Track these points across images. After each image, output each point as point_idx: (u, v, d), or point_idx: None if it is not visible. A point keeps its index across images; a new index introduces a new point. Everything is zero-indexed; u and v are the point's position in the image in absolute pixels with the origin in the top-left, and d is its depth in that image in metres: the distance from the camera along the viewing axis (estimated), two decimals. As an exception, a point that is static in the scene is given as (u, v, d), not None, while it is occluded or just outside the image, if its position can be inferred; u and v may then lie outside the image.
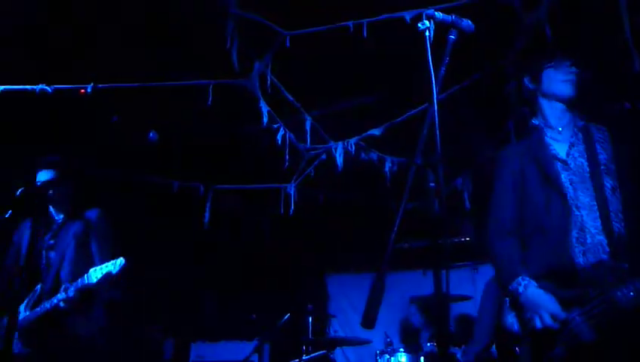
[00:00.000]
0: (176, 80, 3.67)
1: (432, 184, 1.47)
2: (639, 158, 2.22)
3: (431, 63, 1.63)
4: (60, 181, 3.38)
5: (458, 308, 5.05)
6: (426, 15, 1.78)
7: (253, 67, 3.60)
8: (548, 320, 2.05)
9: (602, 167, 2.21)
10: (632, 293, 1.92)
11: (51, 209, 3.48)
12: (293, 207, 4.53)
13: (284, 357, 4.98)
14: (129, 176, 4.56)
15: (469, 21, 1.91)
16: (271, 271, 6.06)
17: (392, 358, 4.41)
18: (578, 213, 2.15)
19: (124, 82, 3.60)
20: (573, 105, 2.38)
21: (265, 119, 3.80)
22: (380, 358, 4.46)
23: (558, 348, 2.04)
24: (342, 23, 3.19)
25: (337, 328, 6.09)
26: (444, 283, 1.49)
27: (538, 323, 2.07)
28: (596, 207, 2.15)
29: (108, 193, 4.33)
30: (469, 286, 5.51)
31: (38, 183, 3.32)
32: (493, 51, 3.32)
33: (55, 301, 3.10)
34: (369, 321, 1.35)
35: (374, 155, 4.19)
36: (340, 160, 4.06)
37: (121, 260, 3.07)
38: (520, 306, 2.14)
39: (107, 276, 3.02)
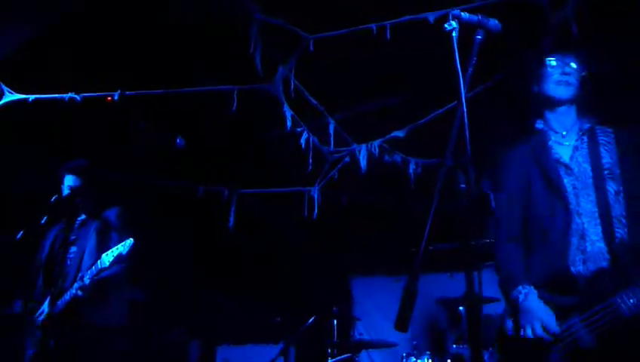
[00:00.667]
0: (201, 86, 3.71)
1: (463, 185, 1.46)
2: None
3: (458, 64, 1.62)
4: (86, 186, 3.50)
5: (486, 310, 4.99)
6: (452, 15, 1.77)
7: (277, 71, 3.62)
8: (539, 331, 2.06)
9: (606, 172, 2.17)
10: (632, 300, 1.91)
11: (75, 212, 3.56)
12: (317, 210, 4.54)
13: (310, 359, 4.98)
14: (154, 180, 4.62)
15: (496, 21, 1.90)
16: (296, 274, 6.07)
17: (419, 361, 4.37)
18: (579, 221, 2.13)
19: (150, 89, 3.65)
20: (578, 106, 2.33)
21: (289, 123, 3.81)
22: (406, 361, 4.43)
23: (554, 354, 2.05)
24: (365, 26, 3.18)
25: (362, 331, 6.07)
26: (475, 284, 1.48)
27: (529, 333, 2.09)
28: (597, 214, 2.12)
29: (132, 197, 4.40)
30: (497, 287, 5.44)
31: (67, 189, 3.46)
32: (519, 50, 3.28)
33: (73, 290, 3.19)
34: (403, 324, 1.35)
35: (398, 157, 4.17)
36: (363, 162, 4.04)
37: (130, 240, 3.16)
38: (518, 314, 2.15)
39: (118, 257, 3.13)
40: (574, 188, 2.19)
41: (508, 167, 2.40)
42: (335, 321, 4.97)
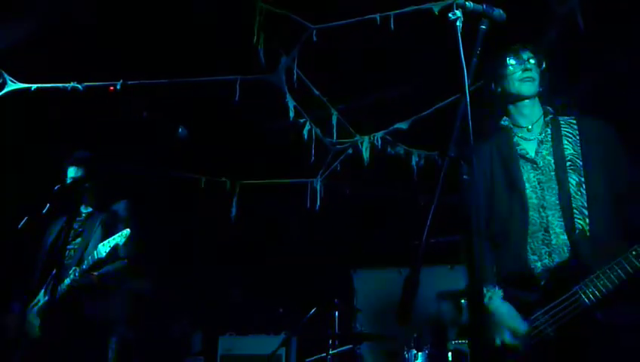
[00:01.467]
0: (204, 75, 3.70)
1: (466, 176, 1.45)
2: (606, 150, 2.18)
3: (462, 54, 1.60)
4: (90, 178, 3.45)
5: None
6: (457, 5, 1.74)
7: (280, 62, 3.61)
8: (508, 338, 2.06)
9: (568, 163, 2.18)
10: (590, 289, 1.95)
11: (80, 205, 3.53)
12: (319, 201, 4.53)
13: (311, 350, 4.99)
14: (157, 171, 4.62)
15: (501, 10, 1.88)
16: (297, 266, 6.08)
17: (420, 354, 4.38)
18: (544, 214, 2.15)
19: (153, 79, 3.64)
20: (540, 99, 2.33)
21: (291, 114, 3.80)
22: (407, 353, 4.43)
23: (521, 348, 2.06)
24: (369, 16, 3.16)
25: (364, 322, 6.08)
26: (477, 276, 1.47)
27: (498, 342, 2.08)
28: (559, 206, 2.13)
29: (135, 187, 4.40)
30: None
31: (70, 180, 3.42)
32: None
33: (68, 280, 3.13)
34: (404, 317, 1.34)
35: (401, 149, 4.15)
36: (366, 154, 4.03)
37: (126, 231, 3.13)
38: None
39: (115, 247, 3.09)
40: (540, 182, 2.20)
41: (475, 163, 2.38)
42: (337, 313, 4.97)
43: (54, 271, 3.06)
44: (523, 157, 2.27)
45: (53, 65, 3.81)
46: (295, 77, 3.61)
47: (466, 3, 1.74)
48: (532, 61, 2.29)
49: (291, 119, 3.84)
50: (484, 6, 1.81)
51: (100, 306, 3.25)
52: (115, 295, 3.33)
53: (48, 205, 2.84)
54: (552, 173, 2.19)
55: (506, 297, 2.15)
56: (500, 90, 2.33)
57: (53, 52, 3.85)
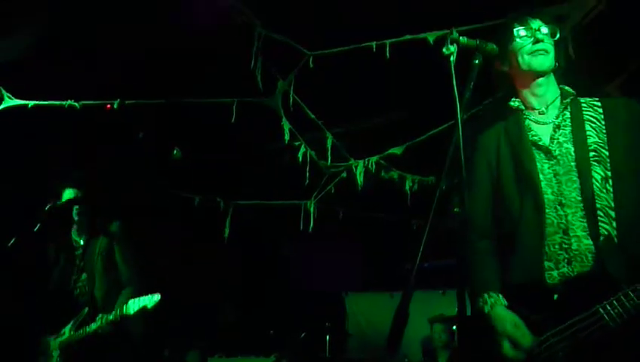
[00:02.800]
0: (202, 97, 3.74)
1: (457, 209, 1.47)
2: (638, 137, 1.84)
3: (455, 88, 1.63)
4: (84, 200, 3.46)
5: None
6: (451, 39, 1.77)
7: (277, 85, 3.65)
8: (508, 349, 1.76)
9: (592, 153, 1.83)
10: (617, 309, 1.63)
11: (74, 232, 3.55)
12: (312, 223, 4.54)
13: (301, 373, 4.95)
14: (150, 189, 4.62)
15: (494, 45, 1.91)
16: (289, 287, 6.06)
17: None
18: (562, 213, 1.81)
19: (151, 99, 3.67)
20: (557, 76, 2.01)
21: (287, 137, 3.84)
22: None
23: None
24: (365, 44, 3.21)
25: (354, 346, 6.04)
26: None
27: (497, 354, 1.79)
28: (582, 205, 1.79)
29: (130, 206, 4.39)
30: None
31: (64, 201, 3.41)
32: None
33: (94, 326, 3.25)
34: (393, 345, 1.34)
35: (395, 174, 4.19)
36: (360, 178, 4.06)
37: (157, 296, 3.20)
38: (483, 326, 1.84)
39: (143, 309, 3.17)
40: (556, 174, 1.86)
41: (479, 150, 2.07)
42: (327, 336, 4.94)
43: (86, 310, 3.30)
44: (535, 144, 1.92)
45: (51, 82, 3.84)
46: (291, 101, 3.64)
47: (460, 38, 1.77)
48: (544, 30, 1.94)
49: (286, 142, 3.87)
50: (478, 41, 1.85)
51: (121, 351, 3.36)
52: (132, 338, 3.43)
53: (39, 224, 2.85)
54: (573, 164, 1.84)
55: (511, 305, 1.83)
56: (507, 67, 1.99)
57: (50, 69, 3.87)
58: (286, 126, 3.82)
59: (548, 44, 1.93)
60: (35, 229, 2.86)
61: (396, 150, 3.99)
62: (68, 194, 3.44)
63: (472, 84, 1.74)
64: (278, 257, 6.13)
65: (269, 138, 4.25)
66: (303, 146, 3.99)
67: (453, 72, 1.65)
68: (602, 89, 3.53)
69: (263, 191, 4.80)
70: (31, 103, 3.71)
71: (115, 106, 3.72)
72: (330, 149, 4.06)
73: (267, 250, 6.06)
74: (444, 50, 1.70)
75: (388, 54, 3.16)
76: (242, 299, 6.28)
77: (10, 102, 3.66)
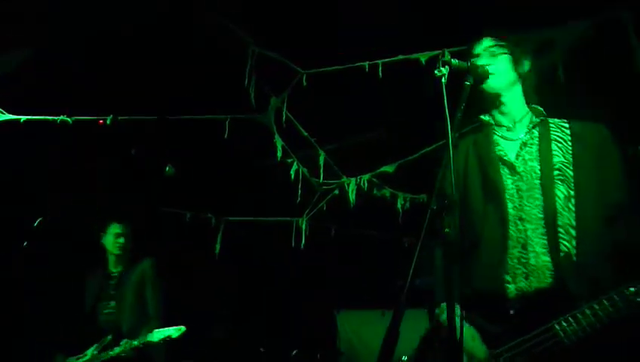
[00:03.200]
0: (194, 114, 3.75)
1: (448, 230, 1.48)
2: (602, 161, 1.88)
3: (447, 111, 1.65)
4: (127, 234, 3.84)
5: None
6: (443, 62, 1.80)
7: (270, 102, 3.67)
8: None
9: (556, 172, 1.86)
10: (573, 326, 1.63)
11: (112, 263, 3.87)
12: (304, 240, 4.54)
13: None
14: (143, 205, 4.61)
15: (485, 67, 1.95)
16: (281, 304, 6.02)
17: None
18: (522, 227, 1.84)
19: (143, 115, 3.68)
20: (525, 94, 2.02)
21: (279, 154, 3.85)
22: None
23: None
24: (358, 63, 3.25)
25: (346, 365, 5.99)
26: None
27: None
28: (544, 222, 1.82)
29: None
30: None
31: (112, 237, 3.83)
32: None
33: (118, 349, 3.48)
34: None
35: (387, 192, 4.20)
36: (352, 196, 4.07)
37: (182, 328, 3.46)
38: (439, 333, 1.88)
39: (167, 338, 3.42)
40: (519, 190, 1.90)
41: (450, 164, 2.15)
42: (318, 354, 4.91)
43: (109, 337, 3.54)
44: (501, 159, 1.96)
45: (44, 97, 3.83)
46: (284, 118, 3.67)
47: (452, 60, 1.80)
48: (494, 50, 1.99)
49: (279, 159, 3.88)
50: (469, 62, 1.88)
51: None
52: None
53: (26, 242, 2.92)
54: (537, 181, 1.88)
55: (469, 318, 1.83)
56: (469, 83, 1.93)
57: (43, 84, 3.87)
58: (278, 143, 3.83)
59: (497, 66, 1.97)
60: (25, 245, 2.89)
61: (388, 168, 4.01)
62: (114, 228, 3.81)
63: (463, 104, 1.77)
64: (268, 274, 6.10)
65: (261, 155, 4.26)
66: (295, 163, 4.00)
67: (444, 93, 1.68)
68: (591, 112, 3.59)
69: (255, 208, 4.80)
70: (23, 118, 3.71)
71: (108, 122, 3.72)
72: (323, 167, 4.08)
73: (258, 266, 6.03)
74: (436, 72, 1.73)
75: (380, 74, 3.19)
76: (231, 314, 6.23)
77: (3, 116, 3.65)
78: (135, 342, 3.44)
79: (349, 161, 4.30)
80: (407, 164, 4.04)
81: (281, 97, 3.60)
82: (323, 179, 4.09)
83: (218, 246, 4.69)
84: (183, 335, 3.44)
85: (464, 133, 2.10)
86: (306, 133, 3.88)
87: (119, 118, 3.74)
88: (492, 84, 1.97)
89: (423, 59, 3.01)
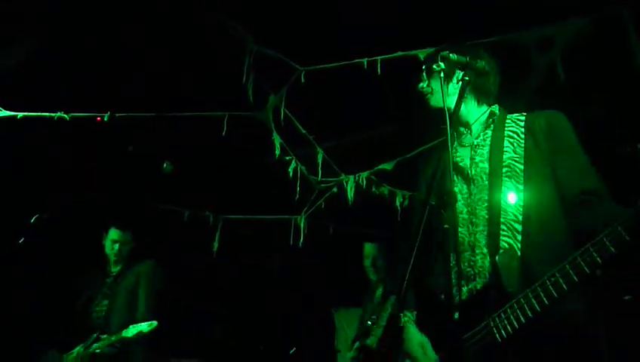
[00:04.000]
0: (192, 110, 3.74)
1: (447, 225, 1.47)
2: (557, 148, 1.84)
3: (445, 105, 1.64)
4: (130, 241, 3.93)
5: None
6: (441, 57, 1.79)
7: (268, 100, 3.66)
8: None
9: (505, 169, 1.84)
10: (504, 321, 1.64)
11: (111, 262, 3.94)
12: (302, 238, 4.53)
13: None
14: (141, 203, 4.59)
15: (484, 62, 1.93)
16: (278, 303, 6.01)
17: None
18: (472, 231, 1.85)
19: (141, 111, 3.67)
20: (477, 99, 2.01)
21: (277, 151, 3.84)
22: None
23: None
24: (356, 60, 3.24)
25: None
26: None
27: None
28: (488, 221, 1.83)
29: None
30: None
31: (110, 242, 3.91)
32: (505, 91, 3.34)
33: (95, 346, 3.58)
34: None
35: (385, 189, 4.19)
36: (350, 194, 4.06)
37: (154, 323, 3.52)
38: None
39: (140, 333, 3.49)
40: (470, 194, 1.90)
41: (419, 171, 2.19)
42: (316, 352, 4.90)
43: (94, 335, 3.63)
44: (456, 165, 1.96)
45: (41, 93, 3.82)
46: (282, 115, 3.65)
47: (450, 55, 1.79)
48: (427, 69, 2.03)
49: (277, 157, 3.87)
50: (468, 58, 1.87)
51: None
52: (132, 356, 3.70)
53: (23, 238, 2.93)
54: (486, 183, 1.88)
55: (420, 324, 1.89)
56: (467, 78, 1.88)
57: (41, 80, 3.86)
58: (277, 141, 3.82)
59: (432, 84, 2.01)
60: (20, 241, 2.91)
61: (387, 165, 4.00)
62: (112, 234, 3.89)
63: (462, 100, 1.76)
64: (267, 272, 6.09)
65: (259, 153, 4.25)
66: (293, 161, 3.99)
67: (442, 88, 1.67)
68: (589, 109, 3.58)
69: (254, 206, 4.78)
70: (20, 115, 3.69)
71: (106, 119, 3.71)
72: (321, 164, 4.06)
73: (256, 264, 6.02)
74: (434, 66, 1.72)
75: (379, 70, 3.18)
76: (230, 313, 6.22)
77: (0, 113, 3.64)
78: (112, 338, 3.52)
79: (348, 158, 4.29)
80: (406, 162, 4.03)
81: (279, 95, 3.58)
82: (321, 177, 4.07)
83: (216, 245, 4.68)
84: (154, 331, 3.50)
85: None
86: (304, 131, 3.86)
87: (117, 115, 3.73)
88: (431, 103, 2.02)
89: (421, 56, 2.99)
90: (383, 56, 3.18)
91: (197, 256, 5.19)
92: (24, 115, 3.67)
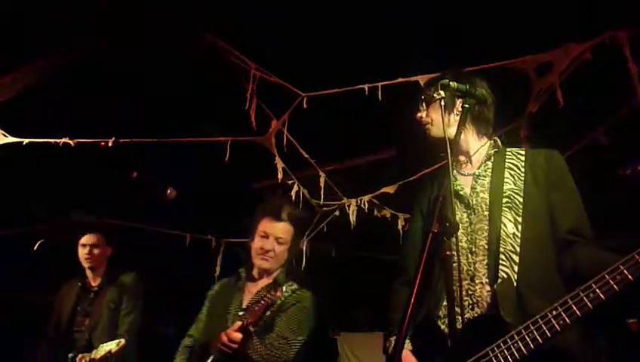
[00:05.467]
0: (195, 136, 3.77)
1: (449, 253, 1.48)
2: (554, 185, 1.90)
3: (446, 133, 1.66)
4: (102, 244, 3.69)
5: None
6: (441, 85, 1.83)
7: (270, 125, 3.70)
8: None
9: (505, 200, 1.89)
10: (503, 352, 1.65)
11: (91, 276, 3.72)
12: (304, 262, 4.52)
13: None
14: (144, 227, 4.60)
15: (484, 90, 1.97)
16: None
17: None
18: (472, 260, 1.88)
19: (145, 137, 3.70)
20: (477, 130, 2.05)
21: (280, 175, 3.86)
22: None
23: None
24: (357, 86, 3.28)
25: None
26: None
27: None
28: (488, 251, 1.87)
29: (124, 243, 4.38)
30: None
31: (85, 248, 3.67)
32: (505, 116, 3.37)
33: None
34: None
35: (387, 212, 4.19)
36: (353, 217, 4.06)
37: (122, 341, 3.31)
38: None
39: (108, 353, 3.29)
40: (471, 223, 1.94)
41: (417, 202, 2.20)
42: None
43: (71, 355, 3.41)
44: (457, 194, 1.99)
45: (47, 119, 3.86)
46: (285, 140, 3.68)
47: (450, 83, 1.83)
48: (426, 98, 2.06)
49: (279, 180, 3.89)
50: (468, 85, 1.91)
51: None
52: None
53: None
54: (486, 213, 1.92)
55: (416, 352, 1.89)
56: (468, 106, 1.93)
57: (46, 106, 3.91)
58: (279, 164, 3.85)
59: (432, 115, 2.03)
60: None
61: (389, 189, 4.01)
62: (88, 240, 3.67)
63: (462, 127, 1.79)
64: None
65: (262, 176, 4.28)
66: (295, 185, 4.01)
67: (443, 115, 1.70)
68: (587, 135, 3.61)
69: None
70: (26, 141, 3.73)
71: (110, 144, 3.74)
72: (323, 188, 4.08)
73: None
74: (434, 94, 1.75)
75: (380, 96, 3.22)
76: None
77: (6, 139, 3.68)
78: (87, 359, 3.34)
79: (350, 182, 4.31)
80: (408, 185, 4.05)
81: (281, 119, 3.62)
82: (323, 200, 4.08)
83: (218, 269, 4.67)
84: (121, 349, 3.30)
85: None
86: (306, 155, 3.89)
87: (120, 140, 3.76)
88: (430, 133, 2.06)
89: (421, 82, 3.03)
90: (383, 83, 3.22)
91: (199, 280, 5.18)
92: (30, 141, 3.72)
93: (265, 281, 2.80)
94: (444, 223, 1.51)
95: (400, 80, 3.19)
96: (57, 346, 3.53)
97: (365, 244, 5.02)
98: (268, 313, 2.57)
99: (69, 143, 3.75)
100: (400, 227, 4.20)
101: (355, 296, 6.04)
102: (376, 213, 4.19)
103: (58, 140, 3.69)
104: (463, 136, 1.99)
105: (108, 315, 3.55)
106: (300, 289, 2.83)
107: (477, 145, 2.07)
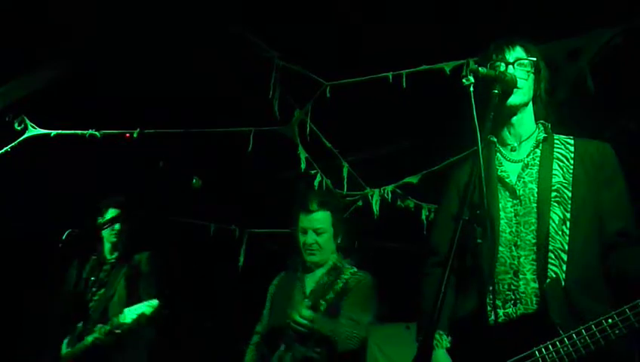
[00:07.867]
0: (219, 126, 3.79)
1: (480, 240, 1.46)
2: (604, 182, 1.82)
3: (476, 119, 1.63)
4: (123, 220, 3.56)
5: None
6: (470, 70, 1.79)
7: (294, 115, 3.69)
8: None
9: (554, 194, 1.80)
10: (552, 354, 1.62)
11: (107, 249, 3.63)
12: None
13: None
14: (167, 217, 4.65)
15: (513, 75, 1.92)
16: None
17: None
18: (516, 254, 1.79)
19: (170, 128, 3.73)
20: (536, 110, 1.95)
21: (303, 165, 3.85)
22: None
23: None
24: (381, 74, 3.25)
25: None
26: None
27: None
28: (536, 247, 1.78)
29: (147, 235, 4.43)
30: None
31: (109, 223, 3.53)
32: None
33: (91, 338, 3.23)
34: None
35: (411, 203, 4.16)
36: (376, 207, 4.04)
37: (155, 302, 3.19)
38: None
39: (141, 316, 3.15)
40: (516, 214, 1.84)
41: (450, 186, 2.08)
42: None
43: (80, 324, 3.31)
44: (501, 180, 1.90)
45: (73, 112, 3.92)
46: (308, 130, 3.67)
47: (479, 68, 1.79)
48: (524, 63, 1.91)
49: (302, 170, 3.88)
50: (497, 70, 1.86)
51: (125, 357, 3.32)
52: (134, 348, 3.37)
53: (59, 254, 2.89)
54: (534, 205, 1.82)
55: (453, 348, 1.83)
56: (497, 91, 1.83)
57: (73, 99, 3.96)
58: (302, 154, 3.84)
59: (520, 79, 1.88)
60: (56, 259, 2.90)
61: (412, 179, 3.98)
62: (111, 213, 3.54)
63: (491, 113, 1.75)
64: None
65: (285, 166, 4.28)
66: (318, 175, 4.00)
67: (473, 102, 1.66)
68: (616, 121, 3.52)
69: (279, 220, 4.80)
70: (53, 133, 3.80)
71: (135, 135, 3.78)
72: (346, 178, 4.06)
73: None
74: (463, 80, 1.71)
75: (404, 84, 3.19)
76: (245, 329, 6.19)
77: (34, 131, 3.75)
78: (107, 327, 3.18)
79: (373, 171, 4.28)
80: (432, 175, 4.00)
81: (304, 109, 3.61)
82: (347, 191, 4.07)
83: (242, 259, 4.69)
84: (157, 311, 3.17)
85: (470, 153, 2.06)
86: (329, 145, 3.87)
87: (145, 131, 3.80)
88: (514, 101, 1.89)
89: (447, 69, 2.99)
90: (408, 70, 3.18)
91: (222, 271, 5.22)
92: (57, 133, 3.78)
93: (321, 270, 2.91)
94: (474, 210, 1.48)
95: (424, 67, 3.13)
96: (69, 311, 3.43)
97: (389, 235, 4.99)
98: (332, 294, 2.66)
99: (95, 135, 3.81)
100: (424, 217, 4.16)
101: (378, 287, 6.01)
102: (399, 203, 4.15)
103: (84, 132, 3.74)
104: (520, 116, 1.92)
105: (125, 288, 3.44)
106: (360, 271, 2.93)
107: (531, 130, 1.97)
